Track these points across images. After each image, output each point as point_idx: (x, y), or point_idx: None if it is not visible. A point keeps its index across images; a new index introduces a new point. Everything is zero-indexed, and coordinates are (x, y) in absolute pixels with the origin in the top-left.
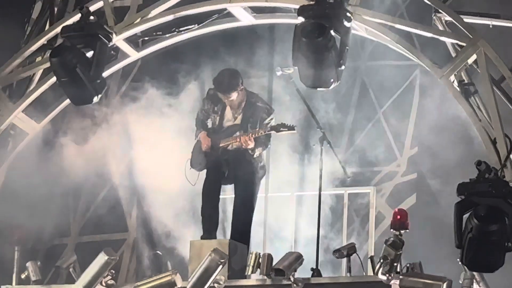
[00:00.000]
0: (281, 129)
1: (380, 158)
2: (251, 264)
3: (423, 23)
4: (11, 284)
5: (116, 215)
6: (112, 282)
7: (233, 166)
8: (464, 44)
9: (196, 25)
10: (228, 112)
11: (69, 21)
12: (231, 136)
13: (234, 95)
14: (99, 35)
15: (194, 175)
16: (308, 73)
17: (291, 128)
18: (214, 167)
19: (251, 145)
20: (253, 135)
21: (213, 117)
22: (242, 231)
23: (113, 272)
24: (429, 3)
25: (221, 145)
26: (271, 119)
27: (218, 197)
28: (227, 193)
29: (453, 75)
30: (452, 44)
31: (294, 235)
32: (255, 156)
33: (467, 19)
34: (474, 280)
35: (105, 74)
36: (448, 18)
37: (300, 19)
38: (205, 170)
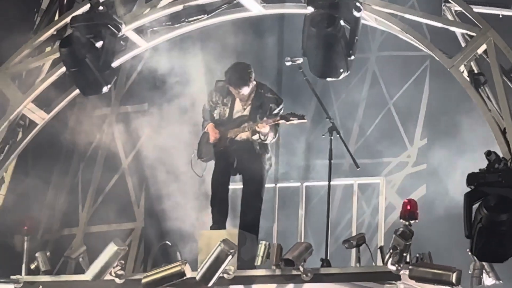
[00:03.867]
0: (291, 118)
1: (390, 148)
2: (261, 254)
3: (433, 13)
4: (20, 274)
5: (124, 205)
6: (121, 272)
7: (241, 157)
8: (474, 34)
9: (206, 15)
10: (238, 104)
11: (79, 12)
12: (240, 127)
13: (245, 89)
14: (109, 26)
15: (201, 166)
16: (317, 63)
17: (301, 117)
18: (223, 158)
19: (266, 128)
20: (256, 126)
21: (222, 108)
22: (251, 221)
23: (123, 262)
24: None
25: (229, 135)
26: (281, 109)
27: (227, 187)
28: (237, 184)
29: (463, 65)
30: (462, 34)
31: (303, 225)
32: (267, 141)
33: (477, 9)
34: (484, 270)
35: (114, 64)
36: (458, 8)
37: (310, 9)
38: (212, 161)
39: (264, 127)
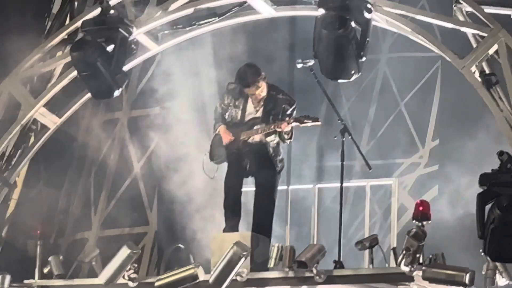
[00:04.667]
0: (305, 120)
1: (402, 150)
2: (274, 256)
3: (444, 14)
4: (33, 278)
5: (137, 209)
6: (134, 275)
7: (254, 159)
8: (485, 34)
9: (217, 18)
10: (250, 106)
11: (90, 15)
12: (252, 129)
13: (256, 88)
14: (120, 29)
15: (213, 167)
16: (328, 65)
17: (315, 119)
18: (235, 160)
19: (288, 127)
20: (277, 127)
21: (234, 111)
22: (263, 224)
23: (136, 265)
24: None
25: (242, 137)
26: (293, 109)
27: (240, 190)
28: (249, 186)
29: (474, 66)
30: (473, 34)
31: (316, 227)
32: (286, 141)
33: (488, 9)
34: (497, 271)
35: (125, 67)
36: (468, 8)
37: (321, 11)
38: (224, 163)
39: (287, 126)
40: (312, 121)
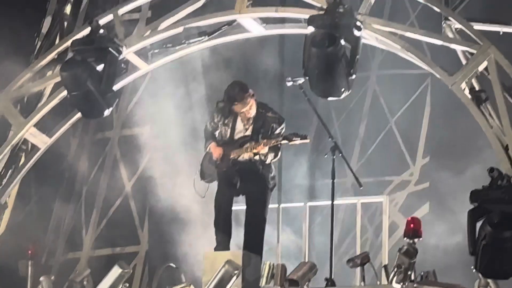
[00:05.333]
0: (294, 138)
1: (392, 167)
2: (265, 275)
3: (433, 31)
4: None
5: (128, 228)
6: None
7: (244, 177)
8: (474, 51)
9: (206, 36)
10: (239, 124)
11: (79, 35)
12: (242, 147)
13: (244, 106)
14: (109, 49)
15: (204, 187)
16: (319, 83)
17: (303, 137)
18: (226, 179)
19: (265, 149)
20: (266, 145)
21: (223, 129)
22: (255, 242)
23: (127, 285)
24: (439, 10)
25: (231, 156)
26: (283, 128)
27: (230, 208)
28: (240, 204)
29: (464, 83)
30: (463, 51)
31: (307, 245)
32: (267, 162)
33: (477, 26)
34: (489, 287)
35: (116, 87)
36: (458, 25)
37: (310, 29)
38: (215, 182)
39: (263, 149)
40: (301, 139)
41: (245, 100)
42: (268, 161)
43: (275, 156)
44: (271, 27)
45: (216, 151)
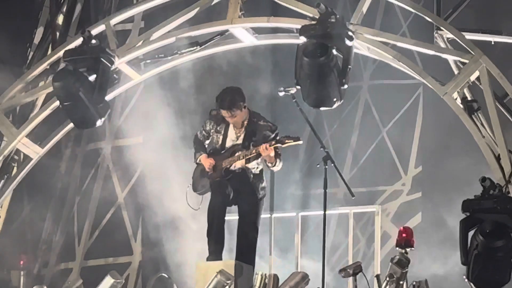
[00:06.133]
0: (286, 141)
1: (384, 177)
2: (257, 285)
3: (425, 41)
4: None
5: (121, 239)
6: None
7: (236, 187)
8: (466, 61)
9: (198, 46)
10: (231, 132)
11: (71, 45)
12: (234, 156)
13: (237, 112)
14: (102, 59)
15: (197, 198)
16: (310, 93)
17: (296, 138)
18: (218, 188)
19: (272, 153)
20: (256, 151)
21: (215, 136)
22: (247, 252)
23: None
24: (430, 20)
25: (223, 165)
26: (276, 135)
27: (223, 218)
28: (233, 214)
29: (456, 92)
30: (455, 61)
31: (299, 255)
32: (275, 168)
33: (469, 36)
34: None
35: (108, 97)
36: (449, 35)
37: (302, 39)
38: (208, 193)
39: (270, 152)
40: (294, 141)
41: (234, 108)
42: (276, 169)
43: (275, 164)
44: (263, 37)
45: (207, 162)
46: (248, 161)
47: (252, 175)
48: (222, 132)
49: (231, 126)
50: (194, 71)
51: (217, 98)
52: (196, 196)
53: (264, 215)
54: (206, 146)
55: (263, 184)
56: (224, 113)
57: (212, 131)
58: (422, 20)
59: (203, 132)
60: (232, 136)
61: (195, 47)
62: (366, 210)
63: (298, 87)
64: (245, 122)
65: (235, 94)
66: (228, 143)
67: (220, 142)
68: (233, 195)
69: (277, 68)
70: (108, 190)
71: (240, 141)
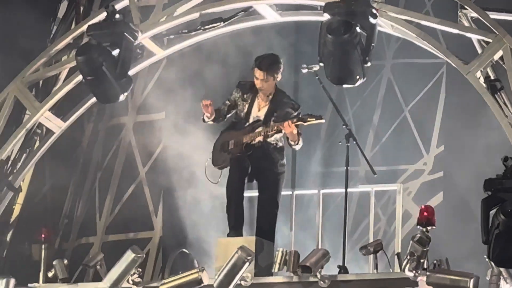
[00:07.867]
0: (309, 119)
1: (406, 156)
2: (278, 261)
3: (449, 20)
4: (38, 282)
5: (142, 214)
6: (139, 279)
7: (256, 163)
8: (490, 40)
9: (222, 23)
10: (257, 103)
11: (95, 20)
12: (255, 132)
13: (270, 79)
14: (125, 34)
15: (217, 172)
16: (333, 70)
17: (318, 117)
18: (237, 164)
19: (295, 130)
20: (278, 128)
21: (241, 104)
22: (267, 228)
23: (140, 270)
24: None
25: (244, 140)
26: (298, 114)
27: (242, 194)
28: (254, 190)
29: (479, 72)
30: (478, 40)
31: (320, 232)
32: (297, 146)
33: (493, 15)
34: (502, 277)
35: (131, 72)
36: (474, 14)
37: (326, 16)
38: (227, 168)
39: (289, 128)
40: (316, 119)
41: (272, 73)
42: (298, 147)
43: (297, 143)
44: (287, 14)
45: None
46: (267, 137)
47: (272, 150)
48: (249, 101)
49: (257, 97)
50: (217, 47)
51: (256, 58)
52: (216, 171)
53: (285, 192)
54: (230, 115)
55: (283, 161)
56: (258, 73)
57: (239, 99)
58: None
59: (227, 102)
60: (256, 108)
61: (218, 23)
62: (388, 189)
63: (321, 64)
64: (270, 96)
65: (276, 59)
66: (254, 113)
67: (245, 110)
68: (252, 170)
69: (299, 47)
70: (130, 165)
71: (262, 114)
